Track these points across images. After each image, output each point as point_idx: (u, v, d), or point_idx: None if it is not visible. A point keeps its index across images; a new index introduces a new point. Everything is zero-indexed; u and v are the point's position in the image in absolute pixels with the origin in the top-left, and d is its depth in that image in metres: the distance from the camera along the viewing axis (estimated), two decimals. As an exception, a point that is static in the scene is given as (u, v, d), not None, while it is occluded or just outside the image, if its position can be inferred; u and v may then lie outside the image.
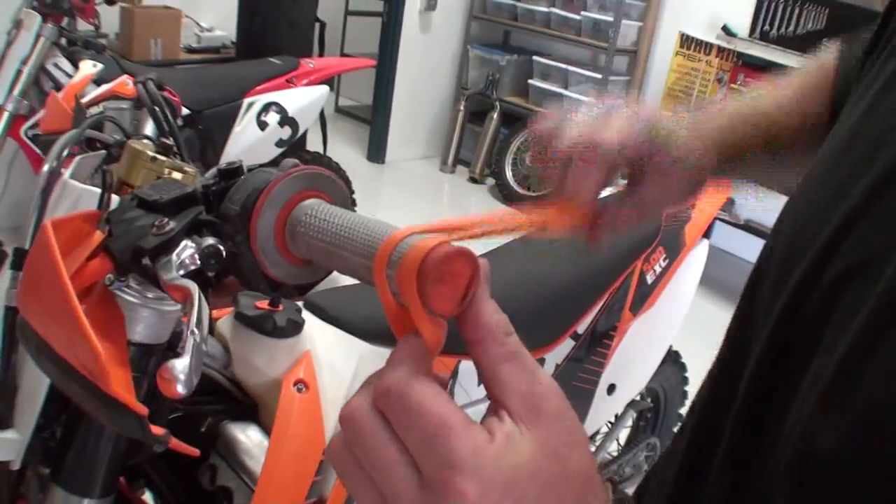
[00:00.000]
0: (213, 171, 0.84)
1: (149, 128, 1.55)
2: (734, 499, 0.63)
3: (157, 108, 1.53)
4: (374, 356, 1.37)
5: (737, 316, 0.75)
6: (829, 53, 0.97)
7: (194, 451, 0.80)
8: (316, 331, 1.27)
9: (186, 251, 0.80)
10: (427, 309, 0.51)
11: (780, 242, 0.70)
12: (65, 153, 1.24)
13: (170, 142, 1.21)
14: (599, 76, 6.33)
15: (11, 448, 1.10)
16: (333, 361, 1.31)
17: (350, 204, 0.71)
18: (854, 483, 0.51)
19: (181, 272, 0.80)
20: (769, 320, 0.64)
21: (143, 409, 0.68)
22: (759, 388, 0.63)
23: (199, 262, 0.80)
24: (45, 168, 1.22)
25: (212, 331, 1.25)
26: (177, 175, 1.13)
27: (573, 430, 0.51)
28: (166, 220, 0.80)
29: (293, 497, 1.21)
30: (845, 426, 0.52)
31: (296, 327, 1.22)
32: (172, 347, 1.02)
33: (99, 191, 1.14)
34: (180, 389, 0.67)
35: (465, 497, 0.46)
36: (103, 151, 1.32)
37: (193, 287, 0.76)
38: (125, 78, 3.41)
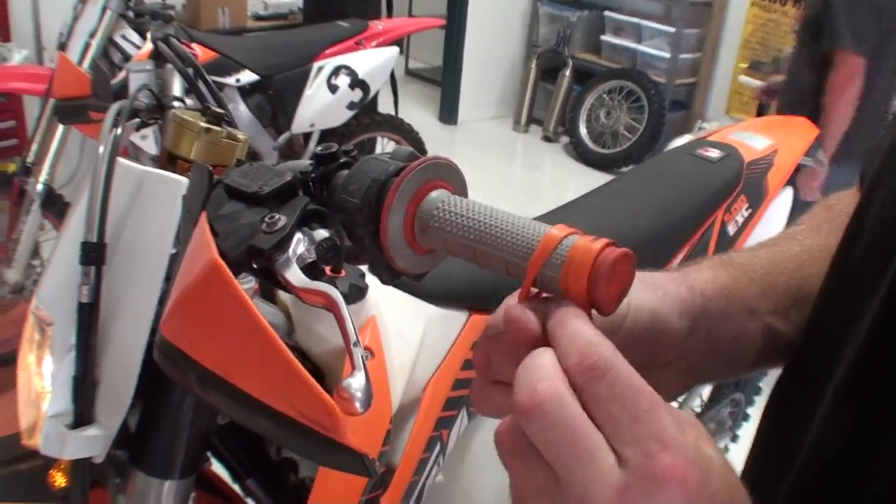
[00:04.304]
0: (304, 159, 0.80)
1: (176, 87, 1.46)
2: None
3: (185, 66, 1.43)
4: (441, 320, 1.34)
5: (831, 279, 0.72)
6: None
7: None
8: (381, 295, 1.23)
9: (301, 246, 0.76)
10: (593, 307, 0.54)
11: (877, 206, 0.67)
12: (119, 131, 1.13)
13: (216, 108, 1.15)
14: (673, 30, 6.21)
15: (96, 444, 1.10)
16: (400, 327, 1.28)
17: (466, 189, 0.70)
18: None
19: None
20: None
21: (364, 450, 0.67)
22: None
23: (314, 255, 0.77)
24: (103, 150, 1.10)
25: (273, 298, 1.23)
26: (231, 143, 1.09)
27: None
28: (277, 215, 0.76)
29: None
30: None
31: (359, 293, 1.18)
32: None
33: (166, 173, 1.09)
34: (359, 408, 0.66)
35: (670, 471, 0.46)
36: (136, 120, 1.27)
37: (335, 293, 0.74)
38: (194, 46, 3.44)
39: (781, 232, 0.91)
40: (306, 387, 0.66)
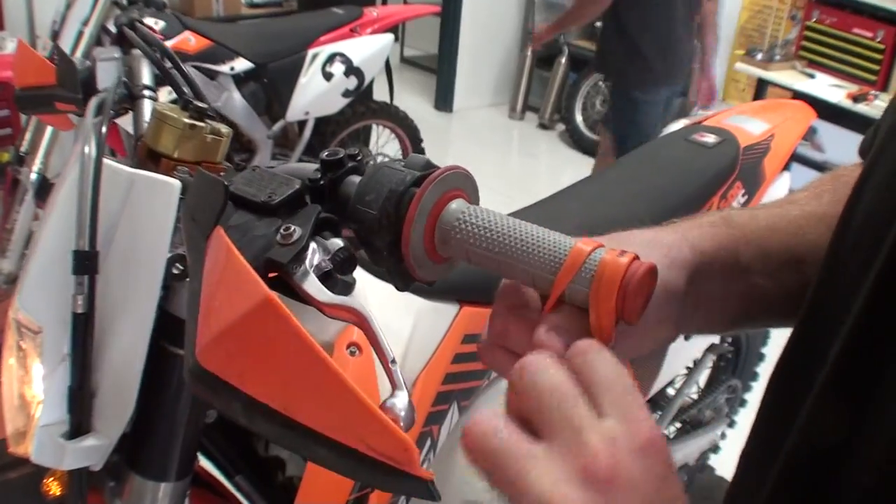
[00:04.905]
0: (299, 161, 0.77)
1: (145, 75, 1.39)
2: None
3: (156, 53, 1.37)
4: (431, 312, 1.32)
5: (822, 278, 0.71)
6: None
7: None
8: (369, 289, 1.20)
9: (316, 256, 0.75)
10: (620, 320, 0.58)
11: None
12: (104, 129, 1.07)
13: (195, 100, 1.09)
14: (670, 15, 6.16)
15: (96, 453, 1.07)
16: (389, 321, 1.24)
17: (478, 196, 0.72)
18: None
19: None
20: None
21: (430, 475, 0.66)
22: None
23: (330, 265, 0.76)
24: (88, 150, 1.03)
25: None
26: (216, 139, 1.06)
27: None
28: (291, 226, 0.73)
29: None
30: None
31: (347, 287, 1.16)
32: None
33: (157, 176, 1.05)
34: (404, 427, 0.67)
35: (654, 434, 0.50)
36: (110, 112, 1.22)
37: (365, 310, 0.73)
38: (187, 34, 3.43)
39: (785, 195, 0.92)
40: (379, 423, 0.65)
